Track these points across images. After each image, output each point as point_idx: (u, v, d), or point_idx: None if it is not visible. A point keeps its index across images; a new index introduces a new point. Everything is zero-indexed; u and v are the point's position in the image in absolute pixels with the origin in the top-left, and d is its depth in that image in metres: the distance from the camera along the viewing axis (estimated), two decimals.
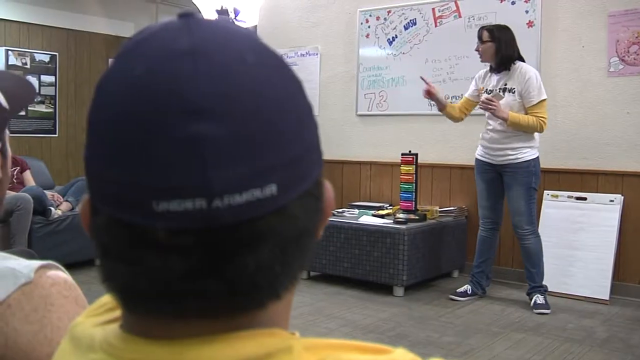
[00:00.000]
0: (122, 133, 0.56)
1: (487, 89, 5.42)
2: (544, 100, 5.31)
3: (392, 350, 0.61)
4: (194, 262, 0.55)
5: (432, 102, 6.42)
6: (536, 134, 5.41)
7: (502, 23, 5.76)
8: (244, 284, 0.57)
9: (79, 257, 6.22)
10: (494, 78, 5.46)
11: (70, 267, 6.53)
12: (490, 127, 5.48)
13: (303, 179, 0.60)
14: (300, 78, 0.66)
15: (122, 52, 0.61)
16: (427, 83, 5.77)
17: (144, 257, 0.57)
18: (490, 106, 5.23)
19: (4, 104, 1.14)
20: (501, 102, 5.29)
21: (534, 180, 5.42)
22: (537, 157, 5.43)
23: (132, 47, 0.60)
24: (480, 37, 5.45)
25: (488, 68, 5.56)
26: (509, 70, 5.37)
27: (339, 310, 5.47)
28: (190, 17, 0.60)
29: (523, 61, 5.42)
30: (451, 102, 6.09)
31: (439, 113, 6.52)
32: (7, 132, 1.22)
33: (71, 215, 6.59)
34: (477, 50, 5.51)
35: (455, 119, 5.92)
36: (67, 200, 6.77)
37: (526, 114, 5.29)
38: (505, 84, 5.36)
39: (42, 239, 6.35)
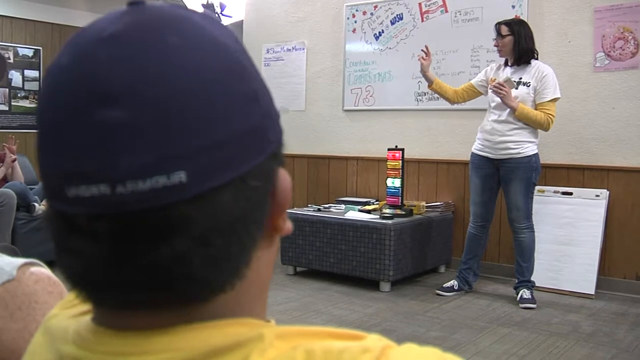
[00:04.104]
0: (45, 121, 0.58)
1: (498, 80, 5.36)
2: (557, 98, 5.35)
3: (366, 336, 0.61)
4: (106, 249, 0.55)
5: (419, 98, 6.43)
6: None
7: (520, 18, 5.88)
8: (161, 275, 0.56)
9: None
10: (508, 71, 5.46)
11: (54, 263, 6.56)
12: (494, 118, 5.47)
13: (227, 166, 0.57)
14: (245, 62, 0.62)
15: (67, 42, 0.61)
16: (426, 53, 5.81)
17: (71, 244, 0.57)
18: (500, 91, 5.22)
19: None
20: (514, 94, 5.30)
21: (534, 175, 5.45)
22: (537, 153, 5.45)
23: (71, 38, 0.61)
24: (498, 32, 5.45)
25: (503, 62, 5.57)
26: (528, 65, 5.39)
27: (325, 305, 5.47)
28: (136, 4, 0.59)
29: (537, 59, 5.46)
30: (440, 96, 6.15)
31: (426, 108, 6.59)
32: None
33: None
34: (496, 45, 5.50)
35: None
36: None
37: (535, 109, 5.32)
38: (520, 78, 5.37)
39: (26, 235, 6.32)
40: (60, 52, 0.60)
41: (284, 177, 0.65)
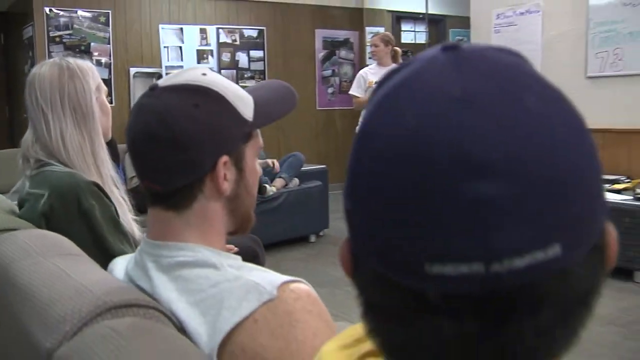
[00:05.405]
0: (395, 190, 0.43)
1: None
2: None
3: None
4: (466, 328, 0.43)
5: None
6: None
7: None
8: (518, 350, 0.44)
9: (294, 234, 5.48)
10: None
11: (285, 244, 5.42)
12: None
13: (590, 233, 0.45)
14: (580, 112, 0.47)
15: (385, 94, 0.48)
16: None
17: (412, 319, 0.45)
18: None
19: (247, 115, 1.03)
20: None
21: None
22: None
23: (396, 89, 0.47)
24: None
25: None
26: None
27: None
28: (455, 51, 0.47)
29: None
30: None
31: None
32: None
33: (286, 192, 5.43)
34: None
35: None
36: (280, 177, 5.52)
37: None
38: None
39: (258, 216, 4.96)
40: (392, 106, 0.46)
41: (610, 230, 0.49)
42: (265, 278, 0.94)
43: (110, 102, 1.78)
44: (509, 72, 0.46)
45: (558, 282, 0.43)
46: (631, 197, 4.44)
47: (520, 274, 0.41)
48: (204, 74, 1.01)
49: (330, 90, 8.08)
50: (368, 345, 0.57)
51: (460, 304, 0.42)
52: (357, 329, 0.60)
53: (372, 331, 0.50)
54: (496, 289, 0.41)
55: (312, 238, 5.69)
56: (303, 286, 0.95)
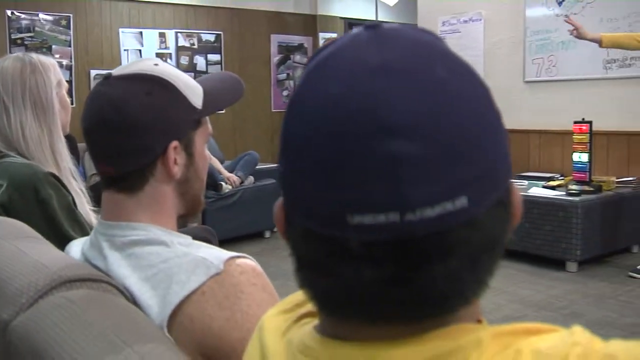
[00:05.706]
0: (319, 150, 0.48)
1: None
2: None
3: (575, 330, 0.50)
4: (384, 272, 0.47)
5: (608, 65, 5.11)
6: None
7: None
8: (432, 293, 0.48)
9: (250, 229, 5.57)
10: None
11: (241, 239, 5.32)
12: None
13: (494, 188, 0.49)
14: (487, 84, 0.53)
15: (313, 67, 0.52)
16: (571, 23, 4.37)
17: (338, 268, 0.49)
18: None
19: (196, 104, 1.05)
20: None
21: None
22: None
23: (322, 62, 0.51)
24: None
25: None
26: None
27: (508, 284, 4.18)
28: (376, 29, 0.51)
29: None
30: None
31: (616, 76, 5.09)
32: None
33: (241, 189, 5.58)
34: None
35: (628, 48, 4.39)
36: (236, 175, 5.67)
37: None
38: None
39: (214, 213, 5.29)
40: (318, 76, 0.51)
41: (515, 190, 0.54)
42: (213, 254, 0.96)
43: (72, 103, 1.78)
44: (423, 47, 0.50)
45: (466, 232, 0.47)
46: (564, 193, 4.63)
47: (432, 222, 0.45)
48: (156, 64, 1.03)
49: (285, 93, 8.10)
50: (306, 308, 0.61)
51: (379, 252, 0.46)
52: (298, 295, 0.63)
53: (303, 284, 0.54)
54: (410, 236, 0.45)
55: (267, 234, 5.74)
56: (248, 261, 0.98)
